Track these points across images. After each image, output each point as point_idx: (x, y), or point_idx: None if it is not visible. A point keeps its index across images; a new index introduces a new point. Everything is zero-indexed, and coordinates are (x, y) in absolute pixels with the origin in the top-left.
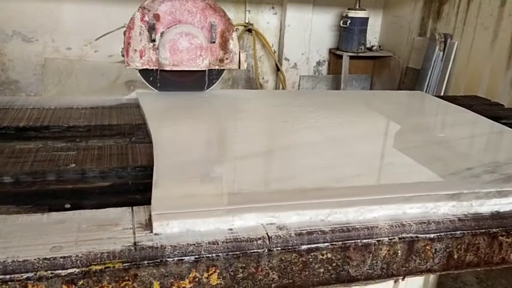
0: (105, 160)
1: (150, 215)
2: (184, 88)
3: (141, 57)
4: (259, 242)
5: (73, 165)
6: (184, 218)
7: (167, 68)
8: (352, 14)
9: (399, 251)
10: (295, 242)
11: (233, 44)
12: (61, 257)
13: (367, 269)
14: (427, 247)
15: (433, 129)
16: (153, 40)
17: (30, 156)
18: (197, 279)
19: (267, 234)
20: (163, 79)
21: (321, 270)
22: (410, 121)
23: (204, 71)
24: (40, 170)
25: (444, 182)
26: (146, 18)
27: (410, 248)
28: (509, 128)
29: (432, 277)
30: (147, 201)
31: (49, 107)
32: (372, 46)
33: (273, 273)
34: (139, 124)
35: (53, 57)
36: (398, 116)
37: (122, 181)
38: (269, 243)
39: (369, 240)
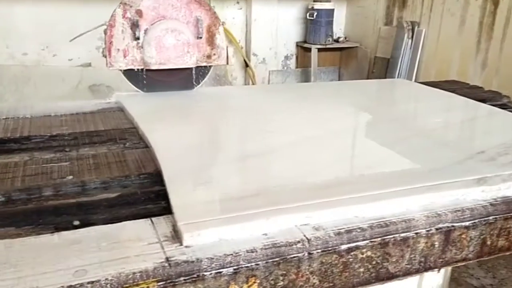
0: (104, 169)
1: (174, 226)
2: (171, 87)
3: (124, 56)
4: (299, 245)
5: (70, 177)
6: (214, 226)
7: (154, 67)
8: (318, 6)
9: (436, 243)
10: (335, 242)
11: (220, 39)
12: (88, 283)
13: (405, 264)
14: (463, 236)
15: (427, 115)
16: (137, 38)
17: (18, 170)
18: None
19: (305, 236)
20: (149, 80)
21: (361, 269)
22: (402, 108)
23: (191, 68)
24: (34, 185)
25: (466, 167)
26: (128, 15)
27: (446, 239)
28: (502, 110)
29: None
30: (162, 211)
31: (24, 115)
32: (338, 37)
33: (314, 278)
34: (128, 129)
35: (8, 64)
36: (389, 104)
37: (129, 190)
38: (309, 245)
39: (407, 233)
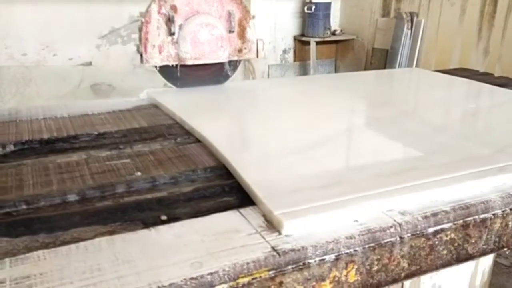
0: (168, 165)
1: (265, 216)
2: (203, 82)
3: (160, 52)
4: (392, 230)
5: (139, 173)
6: (310, 214)
7: (189, 62)
8: None
9: (510, 222)
10: (423, 226)
11: (251, 33)
12: (208, 274)
13: (482, 245)
14: None
15: (460, 101)
16: (173, 34)
17: (83, 169)
18: (337, 279)
19: (395, 221)
20: (182, 75)
21: (444, 252)
22: (433, 95)
23: (223, 63)
24: (107, 183)
25: None
26: (163, 11)
27: None
28: None
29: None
30: (240, 203)
31: (61, 115)
32: (335, 30)
33: (404, 261)
34: (172, 124)
35: (8, 65)
36: (419, 92)
37: (201, 184)
38: (400, 230)
39: (486, 214)
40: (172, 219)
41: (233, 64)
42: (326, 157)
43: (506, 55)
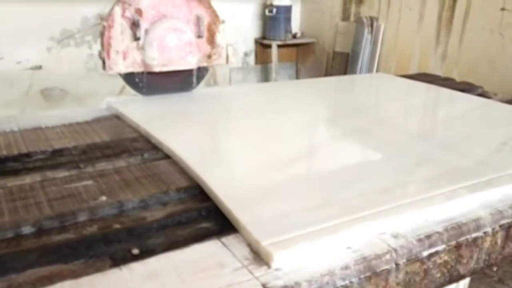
0: (136, 186)
1: (250, 246)
2: (171, 90)
3: (124, 59)
4: (387, 257)
5: (104, 197)
6: (299, 244)
7: (156, 69)
8: (277, 2)
9: (498, 240)
10: (418, 249)
11: (220, 38)
12: None
13: (473, 265)
14: None
15: (432, 109)
16: (138, 39)
17: (38, 194)
18: None
19: (390, 246)
20: (148, 82)
21: (438, 275)
22: (403, 101)
23: (192, 69)
24: (67, 211)
25: (501, 159)
26: (128, 14)
27: (507, 234)
28: (492, 101)
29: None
30: (220, 229)
31: (10, 129)
32: (296, 33)
33: None
34: (136, 138)
35: None
36: (390, 99)
37: (175, 208)
38: (396, 256)
39: (477, 233)
40: (145, 252)
41: (202, 71)
42: (309, 173)
43: (464, 60)
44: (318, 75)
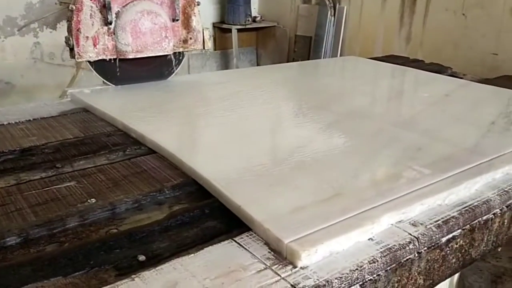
0: (126, 186)
1: (268, 245)
2: (145, 78)
3: (94, 45)
4: (411, 246)
5: (93, 200)
6: (324, 240)
7: (130, 56)
8: None
9: (506, 220)
10: (437, 236)
11: (196, 21)
12: None
13: (483, 247)
14: None
15: (412, 90)
16: (109, 23)
17: (17, 200)
18: None
19: (411, 234)
20: (121, 71)
21: (453, 260)
22: (382, 85)
23: (167, 55)
24: (54, 217)
25: (496, 140)
26: None
27: None
28: (467, 81)
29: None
30: (228, 228)
31: None
32: (255, 17)
33: (420, 278)
34: (113, 132)
35: None
36: (369, 81)
37: (179, 208)
38: (418, 244)
39: (488, 215)
40: (152, 258)
41: (178, 57)
42: (310, 163)
43: (427, 42)
44: (280, 59)
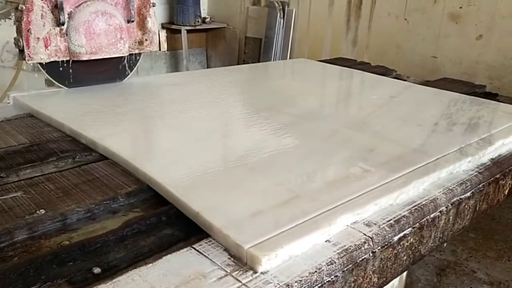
0: (78, 195)
1: (228, 251)
2: (99, 80)
3: (46, 47)
4: (366, 246)
5: (42, 211)
6: (284, 244)
7: (84, 58)
8: None
9: (451, 217)
10: (390, 235)
11: (151, 22)
12: None
13: (431, 243)
14: (466, 206)
15: (361, 92)
16: (62, 24)
17: None
18: None
19: (365, 235)
20: (74, 73)
21: (405, 257)
22: (332, 87)
23: (122, 57)
24: (1, 230)
25: (440, 140)
26: None
27: (456, 211)
28: (411, 83)
29: None
30: (187, 235)
31: None
32: (204, 18)
33: (375, 277)
34: (61, 138)
35: None
36: (318, 86)
37: (135, 216)
38: (373, 244)
39: (435, 213)
40: (108, 269)
41: (133, 59)
42: (265, 166)
43: (373, 45)
44: (230, 61)
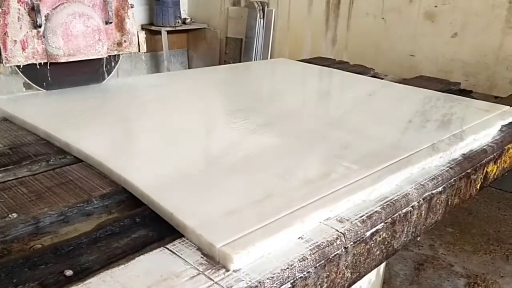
0: (51, 198)
1: (201, 250)
2: (77, 83)
3: (23, 49)
4: (338, 242)
5: (14, 214)
6: (256, 242)
7: (62, 60)
8: None
9: (423, 212)
10: (362, 231)
11: (130, 24)
12: None
13: (404, 238)
14: (437, 201)
15: (338, 91)
16: (38, 26)
17: None
18: None
19: (337, 230)
20: (53, 75)
21: (378, 252)
22: (311, 86)
23: (101, 59)
24: None
25: (413, 137)
26: None
27: (428, 206)
28: (388, 81)
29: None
30: (160, 235)
31: None
32: (185, 19)
33: (348, 272)
34: (35, 142)
35: None
36: (298, 85)
37: (108, 218)
38: (345, 240)
39: (407, 208)
40: (80, 272)
41: (112, 60)
42: (240, 166)
43: (352, 44)
44: (212, 61)
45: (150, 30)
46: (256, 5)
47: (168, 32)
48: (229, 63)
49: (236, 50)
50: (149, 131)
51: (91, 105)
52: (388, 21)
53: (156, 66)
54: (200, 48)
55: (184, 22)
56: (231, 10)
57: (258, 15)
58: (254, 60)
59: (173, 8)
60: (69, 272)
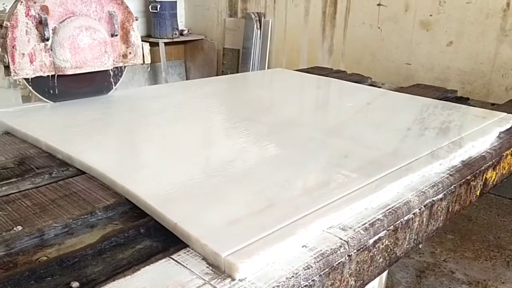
0: (55, 210)
1: (205, 260)
2: (84, 94)
3: (31, 62)
4: (342, 250)
5: (19, 227)
6: (260, 250)
7: (69, 72)
8: None
9: (424, 219)
10: (365, 238)
11: (135, 36)
12: None
13: (406, 245)
14: (438, 208)
15: (337, 100)
16: (46, 39)
17: None
18: None
19: (341, 239)
20: (61, 87)
21: (381, 259)
22: (310, 95)
23: (107, 70)
24: None
25: (412, 145)
26: (33, 12)
27: (430, 213)
28: (386, 90)
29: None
30: (165, 245)
31: None
32: (182, 30)
33: (351, 279)
34: (37, 154)
35: None
36: (296, 95)
37: (113, 229)
38: (349, 248)
39: (409, 215)
40: (86, 283)
41: (118, 72)
42: (242, 176)
43: (348, 53)
44: (209, 72)
45: (148, 41)
46: (253, 16)
47: (166, 43)
48: (227, 73)
49: (233, 61)
50: (151, 142)
51: (92, 117)
52: (384, 30)
53: (154, 77)
54: (197, 59)
55: (181, 33)
56: (228, 21)
57: (255, 26)
58: (252, 70)
59: (170, 20)
60: (75, 284)
